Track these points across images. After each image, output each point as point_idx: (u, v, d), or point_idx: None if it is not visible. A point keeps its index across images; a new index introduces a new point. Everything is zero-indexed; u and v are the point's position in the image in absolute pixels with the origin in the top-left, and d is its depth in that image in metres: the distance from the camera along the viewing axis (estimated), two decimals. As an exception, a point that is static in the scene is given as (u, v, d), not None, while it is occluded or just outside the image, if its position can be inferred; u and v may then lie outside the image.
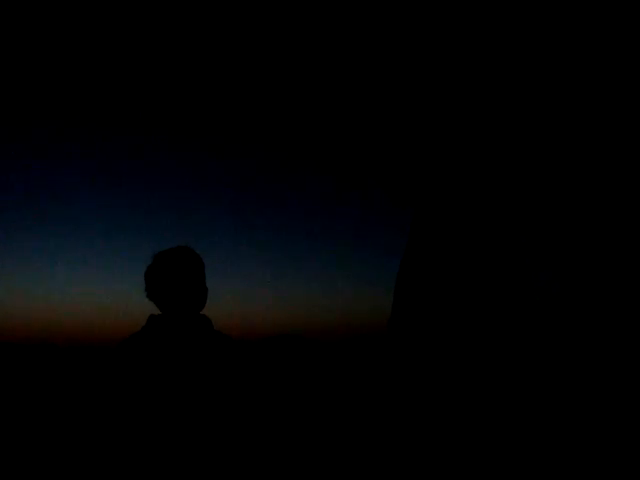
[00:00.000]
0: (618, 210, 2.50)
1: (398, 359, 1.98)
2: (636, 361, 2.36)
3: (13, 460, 4.05)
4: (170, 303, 1.98)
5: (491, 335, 1.95)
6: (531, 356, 2.06)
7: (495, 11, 2.18)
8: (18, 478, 3.79)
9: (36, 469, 3.91)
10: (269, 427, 2.00)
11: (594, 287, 2.52)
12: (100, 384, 1.93)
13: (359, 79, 2.35)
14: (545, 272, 2.39)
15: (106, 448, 1.84)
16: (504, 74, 2.20)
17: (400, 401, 1.97)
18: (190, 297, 1.99)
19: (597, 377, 2.39)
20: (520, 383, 2.03)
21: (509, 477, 1.93)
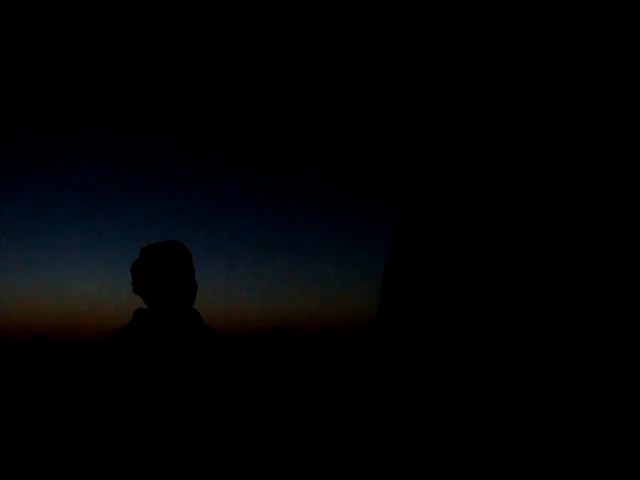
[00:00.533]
0: (607, 203, 2.49)
1: (384, 357, 1.96)
2: (633, 356, 2.36)
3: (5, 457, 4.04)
4: (159, 297, 1.95)
5: (478, 331, 1.94)
6: (517, 351, 2.06)
7: (494, 11, 2.15)
8: (8, 475, 3.77)
9: (25, 464, 3.89)
10: (258, 422, 1.98)
11: (583, 283, 2.51)
12: (90, 379, 1.90)
13: (348, 78, 2.33)
14: (534, 271, 2.38)
15: (95, 443, 1.81)
16: (488, 74, 2.18)
17: (385, 397, 1.96)
18: (179, 291, 1.96)
19: (586, 372, 2.38)
20: (509, 378, 2.02)
21: (494, 474, 1.92)
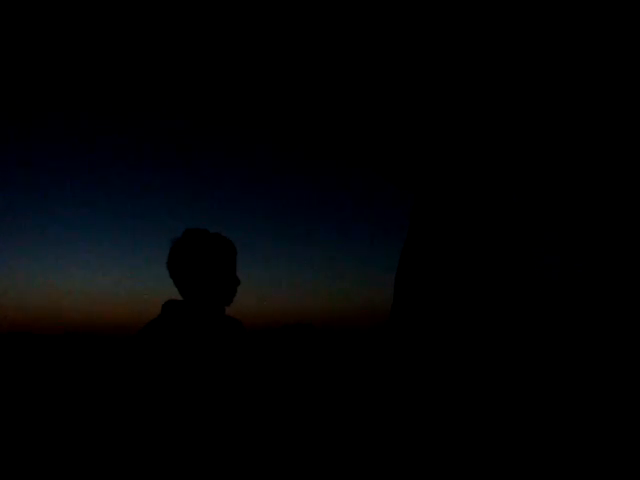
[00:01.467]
0: (616, 203, 2.46)
1: (398, 354, 1.94)
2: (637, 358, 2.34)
3: (27, 450, 4.09)
4: (206, 289, 1.85)
5: (495, 331, 1.91)
6: (536, 352, 2.01)
7: (495, 10, 2.14)
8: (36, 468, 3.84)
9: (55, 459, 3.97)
10: (281, 420, 1.95)
11: (605, 285, 2.47)
12: (119, 375, 1.83)
13: (361, 66, 2.27)
14: (554, 266, 2.34)
15: (123, 441, 1.77)
16: (499, 67, 2.14)
17: (399, 397, 1.95)
18: (227, 286, 1.88)
19: (602, 377, 2.35)
20: (525, 380, 1.98)
21: (508, 476, 1.91)
